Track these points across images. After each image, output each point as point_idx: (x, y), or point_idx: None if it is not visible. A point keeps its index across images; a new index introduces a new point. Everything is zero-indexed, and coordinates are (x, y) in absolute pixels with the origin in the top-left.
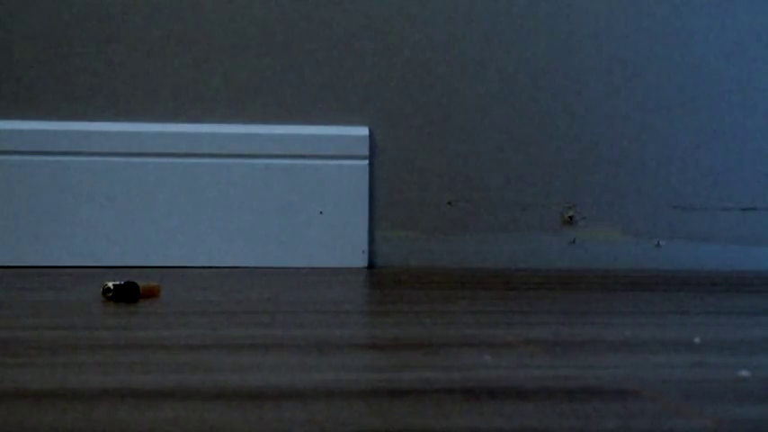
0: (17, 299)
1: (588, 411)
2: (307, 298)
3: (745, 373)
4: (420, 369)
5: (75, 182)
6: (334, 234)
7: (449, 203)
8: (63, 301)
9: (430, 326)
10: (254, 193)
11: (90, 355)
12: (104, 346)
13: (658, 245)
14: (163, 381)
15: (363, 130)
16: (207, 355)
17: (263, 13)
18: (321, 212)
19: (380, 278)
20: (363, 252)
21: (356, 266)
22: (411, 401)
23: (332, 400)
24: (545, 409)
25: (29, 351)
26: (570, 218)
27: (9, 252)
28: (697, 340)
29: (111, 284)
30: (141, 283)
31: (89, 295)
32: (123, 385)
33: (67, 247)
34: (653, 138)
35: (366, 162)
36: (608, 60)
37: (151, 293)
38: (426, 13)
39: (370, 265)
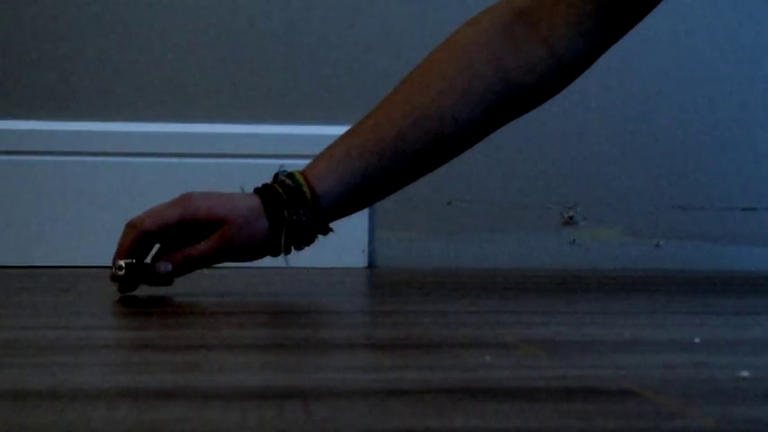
0: (17, 299)
1: (588, 411)
2: (307, 298)
3: (745, 373)
4: (420, 369)
5: (75, 182)
6: (334, 234)
7: (449, 203)
8: (63, 301)
9: (430, 326)
10: None
11: (90, 355)
12: (104, 346)
13: (658, 245)
14: (163, 381)
15: None
16: (207, 355)
17: (263, 13)
18: None
19: (380, 278)
20: (363, 252)
21: (356, 266)
22: (411, 401)
23: (332, 400)
24: (545, 409)
25: (29, 351)
26: (570, 218)
27: (9, 252)
28: (697, 340)
29: (123, 263)
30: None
31: (89, 295)
32: (123, 385)
33: (67, 247)
34: (653, 138)
35: None
36: (607, 60)
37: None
38: (426, 12)
39: (370, 265)
